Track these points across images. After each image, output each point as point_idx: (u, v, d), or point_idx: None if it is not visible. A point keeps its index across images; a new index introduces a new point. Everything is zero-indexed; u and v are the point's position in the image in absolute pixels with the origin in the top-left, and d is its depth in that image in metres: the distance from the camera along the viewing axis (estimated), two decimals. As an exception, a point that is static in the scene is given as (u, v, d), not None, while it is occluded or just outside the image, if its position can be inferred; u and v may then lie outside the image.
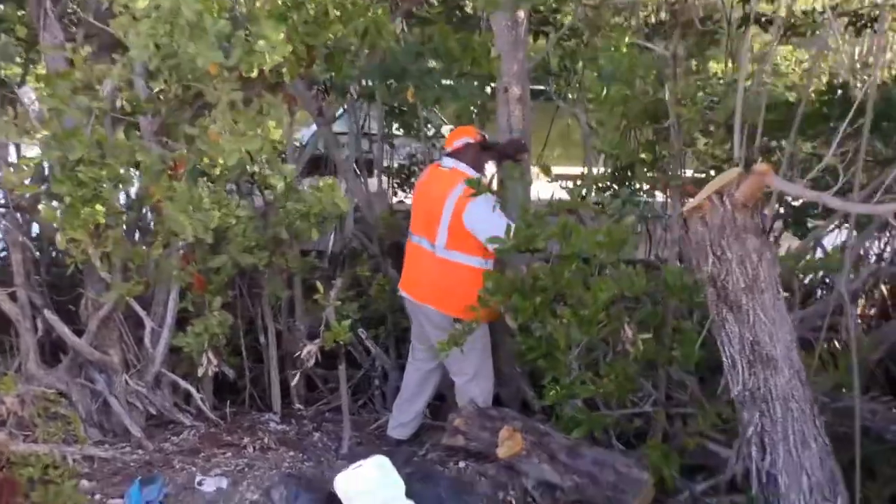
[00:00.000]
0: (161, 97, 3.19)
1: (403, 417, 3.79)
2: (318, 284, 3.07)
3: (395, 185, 6.03)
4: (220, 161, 2.86)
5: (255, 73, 2.67)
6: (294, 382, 3.45)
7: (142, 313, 3.65)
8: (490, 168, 3.68)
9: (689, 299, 3.17)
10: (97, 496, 3.03)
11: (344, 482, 2.40)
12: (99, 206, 2.93)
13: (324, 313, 3.09)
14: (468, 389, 3.58)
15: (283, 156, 4.01)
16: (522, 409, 3.99)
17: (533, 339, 3.29)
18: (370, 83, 3.94)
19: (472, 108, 3.77)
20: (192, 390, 3.80)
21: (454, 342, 3.12)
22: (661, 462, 3.05)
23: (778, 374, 2.28)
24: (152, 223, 3.53)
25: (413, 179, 5.80)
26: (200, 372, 3.45)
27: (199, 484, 3.09)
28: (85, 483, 3.09)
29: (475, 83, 3.78)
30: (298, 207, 2.98)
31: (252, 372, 4.38)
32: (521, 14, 3.88)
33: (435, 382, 3.78)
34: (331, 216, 3.14)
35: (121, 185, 2.92)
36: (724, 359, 2.39)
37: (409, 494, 2.43)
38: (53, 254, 4.59)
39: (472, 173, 3.47)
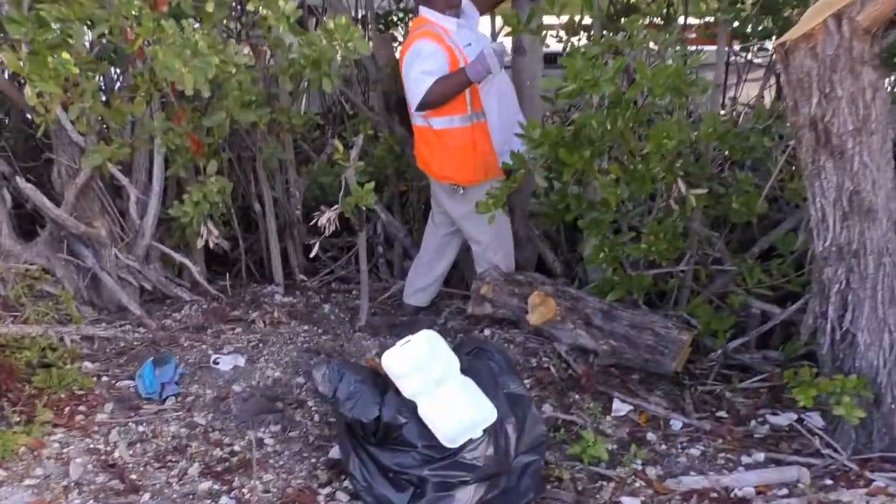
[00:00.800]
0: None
1: (421, 282, 3.56)
2: (338, 143, 2.69)
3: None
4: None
5: None
6: (313, 253, 3.12)
7: (124, 181, 3.25)
8: (471, 13, 3.22)
9: (740, 149, 2.92)
10: (104, 378, 2.77)
11: (392, 361, 2.17)
12: (66, 54, 2.46)
13: (343, 176, 2.73)
14: (487, 256, 3.34)
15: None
16: (541, 273, 3.79)
17: (573, 198, 3.02)
18: None
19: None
20: (188, 263, 3.48)
21: (487, 207, 2.81)
22: (714, 321, 2.89)
23: (875, 227, 2.06)
24: (130, 75, 3.04)
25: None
26: (200, 244, 3.11)
27: (215, 362, 2.85)
28: (88, 364, 2.83)
29: None
30: (307, 53, 2.55)
31: (245, 242, 4.07)
32: None
33: (455, 247, 3.52)
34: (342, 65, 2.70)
35: (92, 29, 2.43)
36: (812, 212, 2.15)
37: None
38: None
39: (434, 18, 3.01)
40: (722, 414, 2.86)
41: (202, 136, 2.86)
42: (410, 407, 2.12)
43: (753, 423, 2.76)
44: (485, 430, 2.09)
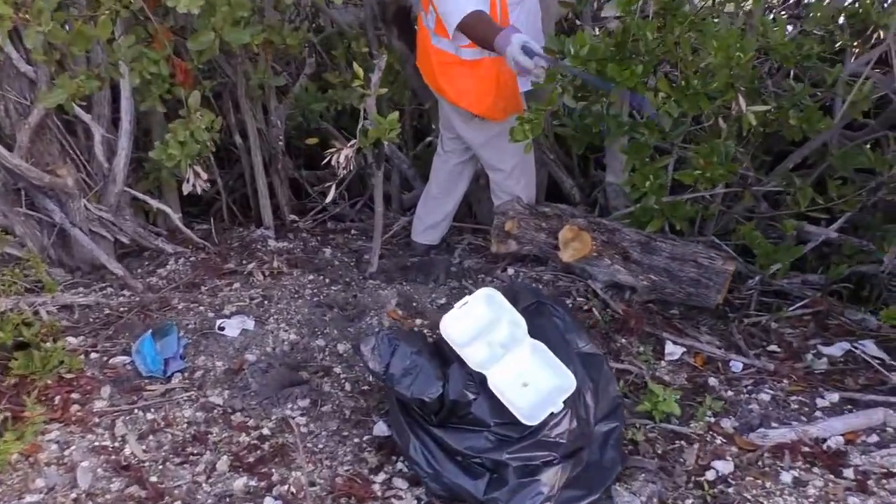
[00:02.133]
0: None
1: (432, 218, 3.21)
2: (358, 67, 2.26)
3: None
4: None
5: None
6: (329, 198, 2.69)
7: (86, 118, 2.77)
8: None
9: (795, 57, 2.60)
10: (93, 356, 2.38)
11: (452, 327, 1.86)
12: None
13: (361, 105, 2.32)
14: (508, 186, 3.00)
15: None
16: (558, 201, 3.48)
17: (611, 119, 2.68)
18: None
19: None
20: (167, 210, 3.05)
21: (522, 134, 2.45)
22: (779, 252, 2.65)
23: None
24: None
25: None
26: (186, 190, 2.68)
27: (220, 328, 2.49)
28: (71, 340, 2.43)
29: None
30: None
31: (222, 179, 3.63)
32: None
33: (468, 177, 3.17)
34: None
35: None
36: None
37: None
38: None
39: None
40: (774, 348, 2.68)
41: (186, 61, 2.38)
42: (478, 379, 1.83)
43: (810, 356, 2.59)
44: (565, 401, 1.82)
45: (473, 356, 1.85)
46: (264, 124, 3.37)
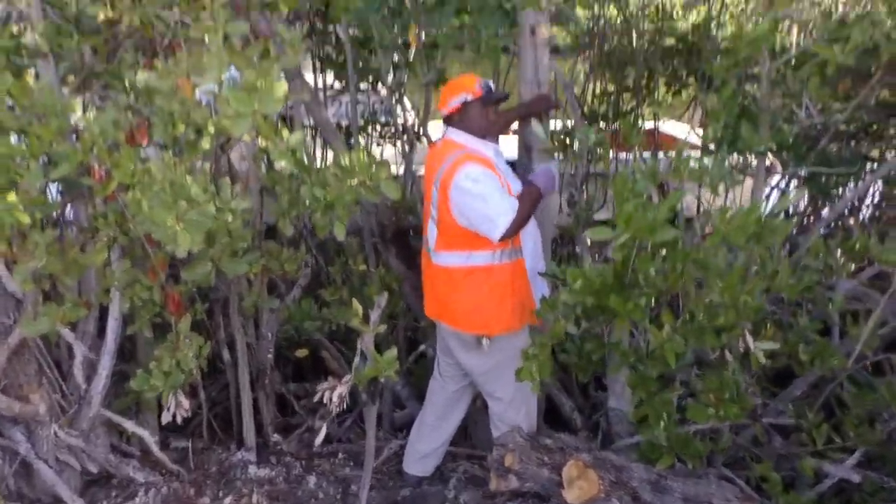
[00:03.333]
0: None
1: (426, 446, 3.02)
2: (356, 304, 2.19)
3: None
4: (210, 130, 1.92)
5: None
6: (319, 439, 2.50)
7: (69, 337, 2.65)
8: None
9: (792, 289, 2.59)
10: None
11: None
12: (13, 198, 1.92)
13: (359, 343, 2.22)
14: (508, 416, 2.85)
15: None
16: (557, 425, 3.32)
17: (617, 349, 2.60)
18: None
19: (497, 52, 2.94)
20: (143, 433, 2.85)
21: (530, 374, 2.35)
22: (785, 495, 2.47)
23: None
24: (81, 214, 2.50)
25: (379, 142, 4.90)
26: (165, 419, 2.51)
27: (189, 584, 2.21)
28: None
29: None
30: (319, 194, 2.09)
31: (205, 391, 3.45)
32: (549, -68, 3.08)
33: (466, 404, 3.02)
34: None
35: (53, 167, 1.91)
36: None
37: None
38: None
39: (471, 144, 2.68)
40: None
41: (180, 291, 2.31)
42: None
43: None
44: None
45: None
46: (254, 338, 3.27)
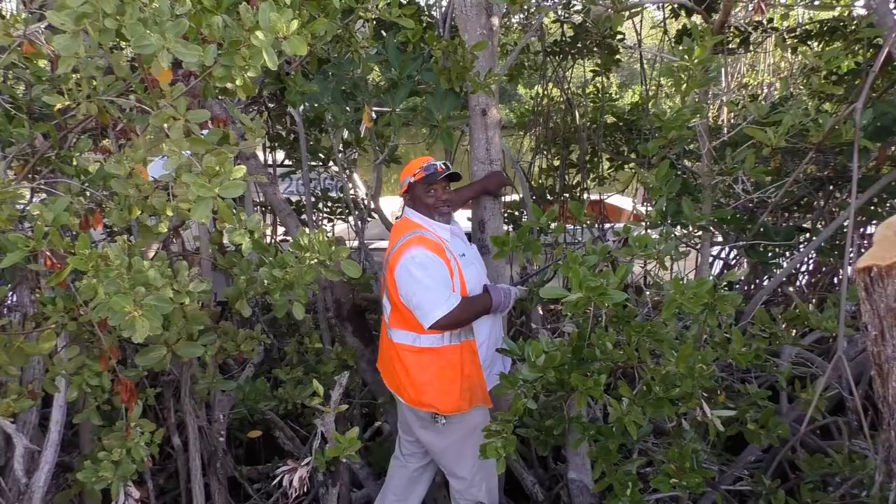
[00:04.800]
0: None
1: (387, 528, 2.94)
2: (317, 384, 2.16)
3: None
4: (168, 213, 1.92)
5: (236, 84, 1.80)
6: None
7: (9, 428, 2.52)
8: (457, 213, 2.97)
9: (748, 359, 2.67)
10: None
11: None
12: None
13: (318, 424, 2.18)
14: (470, 494, 2.82)
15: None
16: (519, 499, 3.29)
17: (577, 423, 2.61)
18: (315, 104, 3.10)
19: (448, 133, 3.04)
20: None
21: (495, 452, 2.34)
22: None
23: None
24: (25, 299, 2.43)
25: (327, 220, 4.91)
26: (113, 512, 2.39)
27: None
28: None
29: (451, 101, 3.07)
30: (277, 275, 2.09)
31: (153, 478, 3.30)
32: (496, 22, 3.25)
33: (427, 482, 2.98)
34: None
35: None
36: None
37: None
38: None
39: (426, 223, 2.75)
40: None
41: (129, 376, 2.24)
42: None
43: None
44: None
45: None
46: (206, 421, 3.17)
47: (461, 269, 2.66)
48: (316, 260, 2.13)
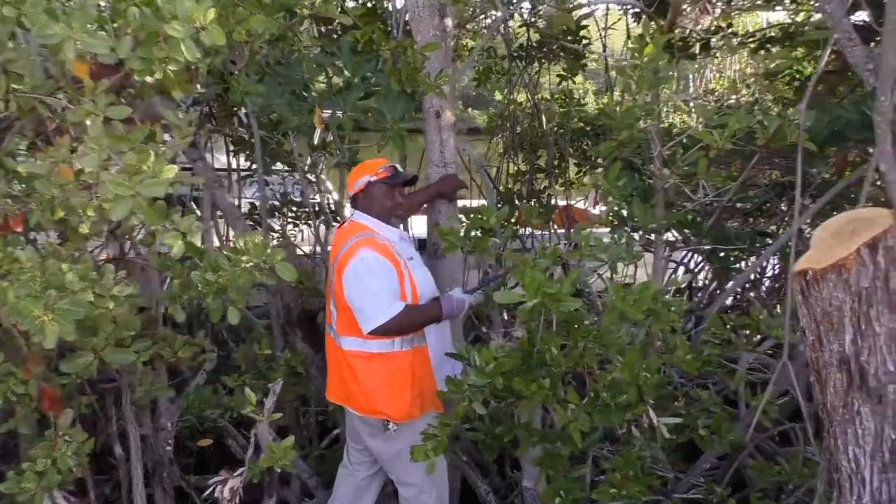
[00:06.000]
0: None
1: (332, 539, 2.87)
2: (249, 392, 2.10)
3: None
4: (90, 213, 1.84)
5: (154, 77, 1.73)
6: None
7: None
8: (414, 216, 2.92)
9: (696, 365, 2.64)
10: None
11: None
12: None
13: (253, 432, 2.12)
14: (420, 501, 2.75)
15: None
16: (471, 506, 3.23)
17: (524, 430, 2.56)
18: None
19: (401, 135, 2.98)
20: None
21: (424, 454, 2.28)
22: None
23: (924, 482, 1.74)
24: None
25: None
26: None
27: None
28: None
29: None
30: (210, 279, 2.02)
31: (96, 488, 3.20)
32: (450, 23, 3.21)
33: (375, 491, 2.91)
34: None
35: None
36: (842, 462, 1.82)
37: None
38: None
39: (375, 227, 2.69)
40: None
41: (56, 384, 2.16)
42: None
43: None
44: None
45: None
46: (151, 430, 3.08)
47: (411, 273, 2.61)
48: (251, 263, 2.06)
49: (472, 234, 2.63)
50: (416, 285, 2.59)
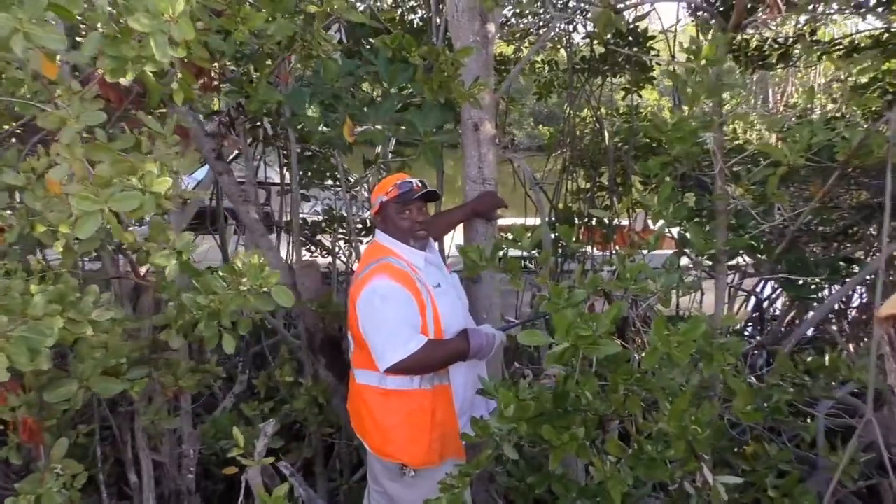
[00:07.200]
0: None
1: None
2: (238, 433, 1.89)
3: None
4: (64, 230, 1.68)
5: (128, 78, 1.55)
6: None
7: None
8: (433, 244, 2.66)
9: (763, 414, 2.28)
10: None
11: None
12: None
13: (243, 476, 1.91)
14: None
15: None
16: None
17: (558, 483, 2.26)
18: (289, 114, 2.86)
19: (435, 149, 2.74)
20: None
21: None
22: None
23: None
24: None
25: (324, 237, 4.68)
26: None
27: None
28: None
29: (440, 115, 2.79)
30: (202, 302, 1.83)
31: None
32: (492, 28, 2.96)
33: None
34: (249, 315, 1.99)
35: None
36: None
37: None
38: None
39: (397, 247, 2.44)
40: None
41: (38, 415, 2.01)
42: None
43: None
44: None
45: None
46: (168, 457, 2.93)
47: (434, 302, 2.35)
48: (248, 286, 1.86)
49: (501, 254, 2.35)
50: (440, 317, 2.33)
